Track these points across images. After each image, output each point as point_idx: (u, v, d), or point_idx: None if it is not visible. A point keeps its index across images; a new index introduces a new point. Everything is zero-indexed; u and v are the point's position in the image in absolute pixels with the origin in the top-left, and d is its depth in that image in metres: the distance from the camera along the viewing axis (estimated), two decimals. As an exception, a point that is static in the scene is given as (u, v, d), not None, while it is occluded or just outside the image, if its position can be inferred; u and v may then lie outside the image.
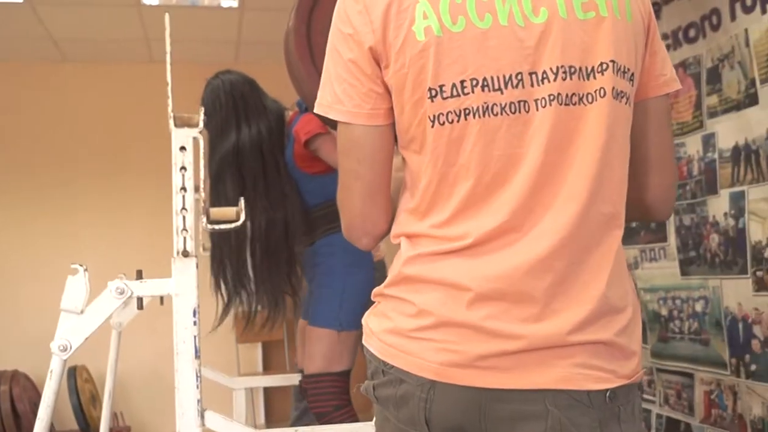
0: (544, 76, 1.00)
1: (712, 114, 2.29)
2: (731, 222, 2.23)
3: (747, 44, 2.12)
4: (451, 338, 1.00)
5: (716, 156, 2.28)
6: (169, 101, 1.56)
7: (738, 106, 2.18)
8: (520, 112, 1.00)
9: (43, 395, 1.48)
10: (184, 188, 1.54)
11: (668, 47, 2.47)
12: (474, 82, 1.00)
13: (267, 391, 5.09)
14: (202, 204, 1.61)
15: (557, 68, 1.00)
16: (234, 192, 2.23)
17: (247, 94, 2.34)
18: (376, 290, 1.13)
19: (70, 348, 1.48)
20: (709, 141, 2.32)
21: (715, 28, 2.26)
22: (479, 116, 1.00)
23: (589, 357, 0.99)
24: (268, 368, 5.07)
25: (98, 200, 5.13)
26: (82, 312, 1.49)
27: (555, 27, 1.01)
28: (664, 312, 2.62)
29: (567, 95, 1.00)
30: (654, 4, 2.52)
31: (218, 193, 2.26)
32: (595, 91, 1.01)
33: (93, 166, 5.13)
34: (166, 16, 1.60)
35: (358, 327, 2.26)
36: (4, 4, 4.14)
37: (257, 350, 5.17)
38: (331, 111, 1.08)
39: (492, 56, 1.00)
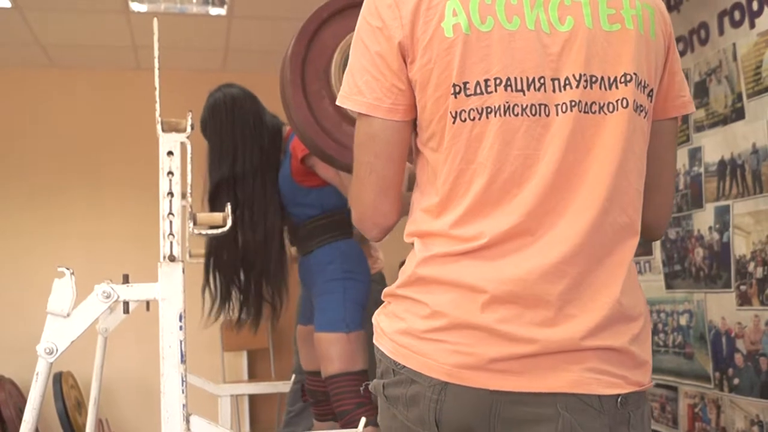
0: (567, 82, 1.02)
1: (699, 128, 2.32)
2: (716, 236, 2.25)
3: (734, 58, 2.15)
4: (465, 340, 1.01)
5: (702, 170, 2.30)
6: (157, 106, 1.57)
7: (725, 121, 2.20)
8: (540, 114, 1.02)
9: (29, 398, 1.47)
10: (171, 193, 1.54)
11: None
12: (498, 81, 1.01)
13: (252, 399, 5.08)
14: (189, 209, 1.61)
15: (579, 76, 1.02)
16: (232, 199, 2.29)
17: (248, 111, 2.39)
18: (387, 290, 1.13)
19: (57, 351, 1.48)
20: (695, 155, 2.34)
21: (703, 42, 2.29)
22: (500, 115, 1.01)
23: (601, 362, 1.00)
24: (253, 376, 5.06)
25: (84, 206, 5.11)
26: (68, 315, 1.49)
27: (580, 36, 1.02)
28: (649, 325, 2.64)
29: (587, 103, 1.02)
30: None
31: (213, 210, 2.32)
32: (617, 101, 1.03)
33: (79, 171, 5.12)
34: (155, 21, 1.61)
35: (362, 328, 2.28)
36: (-9, 9, 4.14)
37: (243, 358, 5.16)
38: (350, 101, 1.09)
39: (517, 58, 1.02)
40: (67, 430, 4.30)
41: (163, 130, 1.56)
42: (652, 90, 1.08)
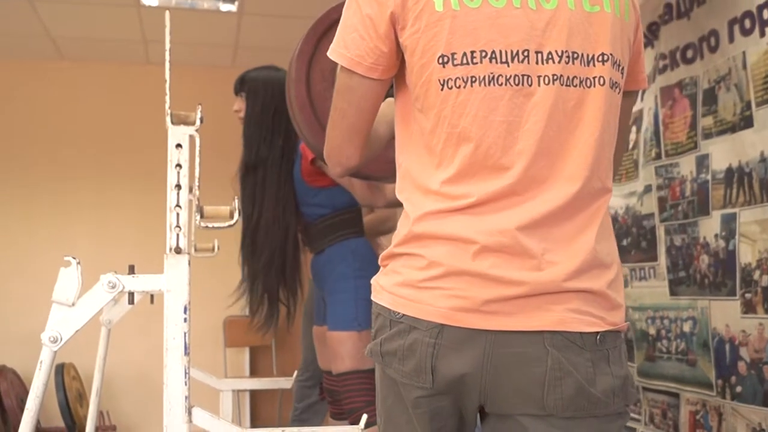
0: (549, 56, 1.11)
1: (707, 135, 2.31)
2: (722, 243, 2.25)
3: (744, 66, 2.14)
4: (459, 285, 1.10)
5: (709, 177, 2.30)
6: (167, 98, 1.57)
7: (733, 128, 2.20)
8: (523, 84, 1.11)
9: (32, 385, 1.48)
10: (178, 185, 1.55)
11: (665, 67, 2.49)
12: (483, 54, 1.10)
13: (253, 394, 5.09)
14: (197, 202, 1.62)
15: (561, 52, 1.11)
16: (249, 195, 2.34)
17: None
18: (384, 253, 1.22)
19: (61, 340, 1.48)
20: (702, 162, 2.33)
21: (713, 49, 2.28)
22: (484, 84, 1.10)
23: (582, 304, 1.10)
24: (255, 373, 5.07)
25: (90, 198, 5.13)
26: (73, 304, 1.49)
27: (563, 15, 1.12)
28: (652, 331, 2.63)
29: (569, 77, 1.12)
30: (652, 24, 2.56)
31: (244, 186, 2.35)
32: (594, 78, 1.13)
33: (86, 163, 5.14)
34: (167, 13, 1.61)
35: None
36: (2, 1, 4.15)
37: (245, 355, 5.17)
38: (335, 54, 1.19)
39: (503, 33, 1.10)
40: (68, 422, 4.31)
41: (173, 123, 1.57)
42: (623, 68, 1.18)
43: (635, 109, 2.67)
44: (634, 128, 2.68)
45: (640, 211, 2.64)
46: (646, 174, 2.60)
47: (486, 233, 1.09)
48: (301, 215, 2.42)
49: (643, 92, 2.63)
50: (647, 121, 2.60)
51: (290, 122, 2.24)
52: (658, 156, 2.54)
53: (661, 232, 2.53)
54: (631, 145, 2.70)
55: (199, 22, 4.53)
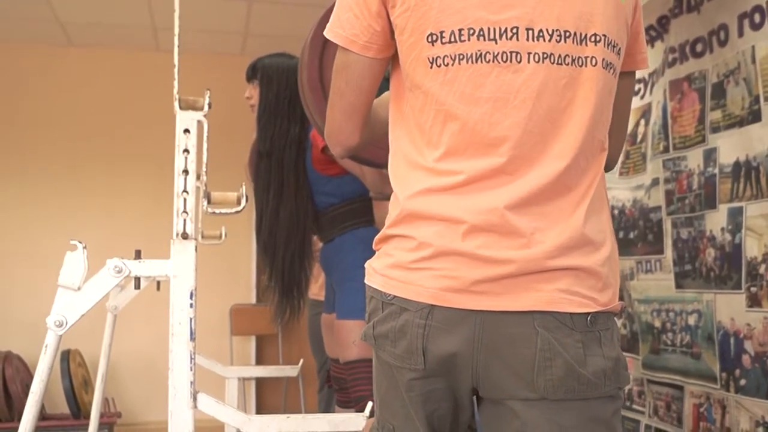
0: (540, 34, 1.10)
1: (715, 129, 2.30)
2: (728, 237, 2.24)
3: (753, 61, 2.13)
4: (449, 266, 1.10)
5: (717, 171, 2.29)
6: (175, 83, 1.57)
7: (741, 122, 2.19)
8: (511, 61, 1.10)
9: (37, 369, 1.48)
10: (186, 171, 1.55)
11: (675, 61, 2.48)
12: (471, 31, 1.10)
13: (259, 383, 5.11)
14: (204, 188, 1.62)
15: (553, 31, 1.10)
16: (264, 183, 2.33)
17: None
18: (377, 237, 1.23)
19: (66, 324, 1.49)
20: (710, 156, 2.32)
21: (723, 43, 2.27)
22: (472, 62, 1.10)
23: (572, 283, 1.10)
24: (261, 361, 5.09)
25: (99, 184, 5.15)
26: (79, 288, 1.50)
27: None
28: (657, 324, 2.63)
29: (560, 55, 1.11)
30: (662, 17, 2.54)
31: (258, 173, 2.35)
32: (586, 58, 1.12)
33: (94, 149, 5.15)
34: (176, -1, 1.61)
35: None
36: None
37: (251, 343, 5.19)
38: (333, 34, 1.21)
39: (492, 11, 1.09)
40: (73, 408, 4.33)
41: (181, 108, 1.57)
42: (620, 48, 1.17)
43: (644, 102, 2.66)
44: (642, 121, 2.68)
45: (648, 204, 2.63)
46: (654, 167, 2.59)
47: (474, 212, 1.09)
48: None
49: (652, 86, 2.62)
50: (655, 115, 2.59)
51: (304, 111, 2.25)
52: (666, 149, 2.53)
53: (667, 225, 2.52)
54: (639, 138, 2.70)
55: (209, 9, 4.53)
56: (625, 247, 2.72)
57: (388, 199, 2.36)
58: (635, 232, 2.70)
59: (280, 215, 2.32)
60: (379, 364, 1.22)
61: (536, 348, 1.08)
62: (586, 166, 1.14)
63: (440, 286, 1.10)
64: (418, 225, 1.13)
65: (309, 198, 2.37)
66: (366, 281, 1.23)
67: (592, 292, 1.11)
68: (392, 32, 1.18)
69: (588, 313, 1.10)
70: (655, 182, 2.58)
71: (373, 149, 1.85)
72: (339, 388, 2.56)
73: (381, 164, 1.96)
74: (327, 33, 1.22)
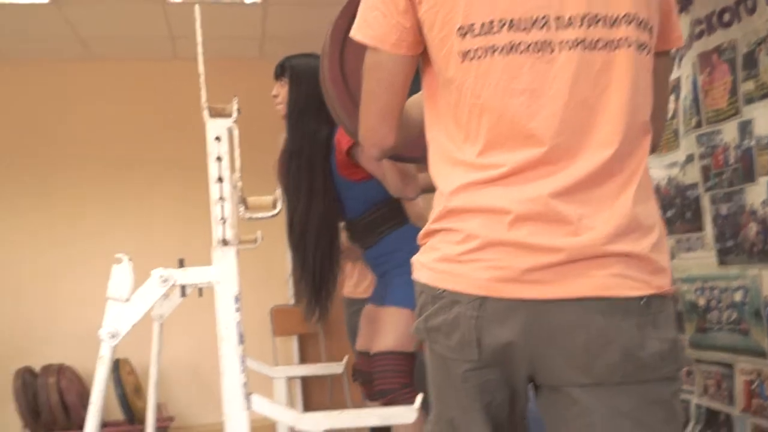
0: (570, 21, 1.09)
1: (749, 100, 2.26)
2: (769, 210, 2.21)
3: (784, 28, 2.09)
4: (498, 256, 1.09)
5: (753, 143, 2.25)
6: (203, 92, 1.59)
7: (776, 92, 2.15)
8: (544, 51, 1.09)
9: (95, 381, 1.52)
10: (220, 178, 1.57)
11: (702, 33, 2.44)
12: (501, 23, 1.09)
13: (304, 382, 5.16)
14: (240, 194, 1.64)
15: (582, 15, 1.09)
16: (295, 184, 2.33)
17: None
18: (422, 232, 1.22)
19: (119, 335, 1.53)
20: (745, 128, 2.29)
21: (751, 11, 2.23)
22: (505, 53, 1.09)
23: (624, 268, 1.08)
24: (304, 360, 5.13)
25: (132, 195, 5.24)
26: (127, 300, 1.53)
27: None
28: (701, 302, 2.60)
29: (592, 41, 1.09)
30: (687, -10, 2.50)
31: (289, 173, 2.36)
32: (619, 40, 1.10)
33: (123, 161, 5.24)
34: (196, 7, 1.63)
35: None
36: (30, 5, 4.25)
37: (293, 343, 5.24)
38: (359, 34, 1.20)
39: (519, 0, 1.08)
40: (128, 414, 4.42)
41: (210, 116, 1.59)
42: (652, 27, 1.15)
43: (672, 77, 2.63)
44: (672, 97, 2.64)
45: (683, 182, 2.60)
46: (688, 143, 2.56)
47: (519, 202, 1.08)
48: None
49: (680, 59, 2.59)
50: (686, 89, 2.56)
51: None
52: (699, 124, 2.49)
53: (705, 202, 2.49)
54: (670, 115, 2.66)
55: (225, 15, 4.57)
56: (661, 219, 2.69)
57: (410, 199, 2.36)
58: (672, 210, 2.67)
59: (311, 216, 2.34)
60: (433, 357, 1.22)
61: (591, 334, 1.07)
62: (631, 149, 1.12)
63: (490, 277, 1.09)
64: (464, 218, 1.13)
65: (336, 200, 2.39)
66: (413, 276, 1.23)
67: (644, 274, 1.10)
68: (420, 29, 1.17)
69: (642, 296, 1.09)
70: (690, 158, 2.55)
71: (409, 146, 1.85)
72: (362, 381, 2.57)
73: (405, 158, 1.96)
74: (354, 35, 1.21)
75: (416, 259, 1.23)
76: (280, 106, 2.45)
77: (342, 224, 2.52)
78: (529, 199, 1.08)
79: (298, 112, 2.36)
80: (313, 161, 2.34)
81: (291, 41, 5.01)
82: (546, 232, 1.07)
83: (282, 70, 2.44)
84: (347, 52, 1.80)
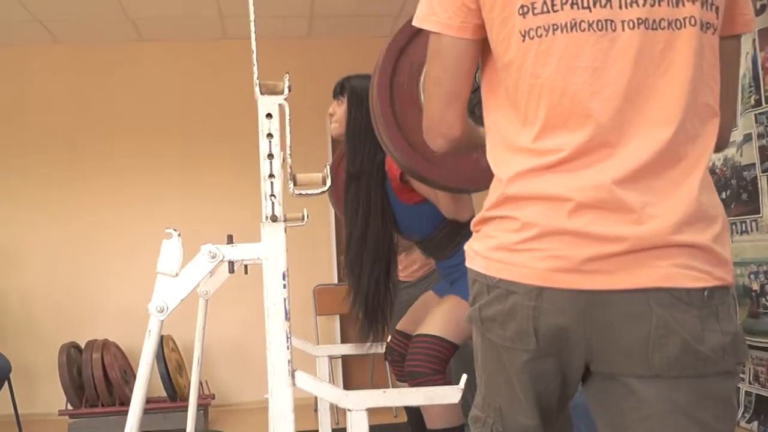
0: (633, 0, 1.06)
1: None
2: (831, 191, 2.13)
3: None
4: (556, 245, 1.07)
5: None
6: (255, 69, 1.58)
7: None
8: (606, 29, 1.07)
9: (142, 354, 1.54)
10: (271, 155, 1.56)
11: (763, 8, 2.36)
12: (563, 1, 1.07)
13: (345, 361, 5.18)
14: (289, 170, 1.63)
15: None
16: (353, 206, 2.35)
17: None
18: (476, 218, 1.21)
19: (167, 309, 1.53)
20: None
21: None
22: (567, 31, 1.07)
23: (688, 259, 1.05)
24: (345, 340, 5.15)
25: (175, 173, 5.30)
26: (176, 275, 1.54)
27: None
28: (755, 287, 2.53)
29: (655, 20, 1.07)
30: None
31: (347, 196, 2.37)
32: (684, 19, 1.07)
33: (170, 141, 5.29)
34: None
35: None
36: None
37: (335, 322, 5.26)
38: (426, 22, 1.19)
39: None
40: (170, 390, 4.49)
41: (262, 93, 1.58)
42: (718, 8, 1.11)
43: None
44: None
45: (740, 162, 2.53)
46: (746, 122, 2.48)
47: (581, 189, 1.06)
48: (399, 230, 2.43)
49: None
50: (745, 67, 2.48)
51: None
52: (758, 103, 2.42)
53: (763, 183, 2.42)
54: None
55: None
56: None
57: (463, 222, 2.33)
58: (728, 192, 2.60)
59: (368, 239, 2.35)
60: (485, 345, 1.20)
61: (651, 326, 1.05)
62: (695, 132, 1.09)
63: (548, 267, 1.07)
64: (521, 205, 1.11)
65: (393, 224, 2.39)
66: (467, 264, 1.21)
67: (707, 266, 1.07)
68: (481, 11, 1.15)
69: (705, 288, 1.06)
70: (748, 138, 2.48)
71: (448, 172, 1.84)
72: (392, 360, 2.56)
73: (454, 187, 1.94)
74: (418, 22, 1.20)
75: (470, 247, 1.21)
76: (335, 125, 2.45)
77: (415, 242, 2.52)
78: (593, 186, 1.05)
79: (357, 134, 2.33)
80: (370, 185, 2.34)
81: (339, 20, 5.00)
82: (608, 220, 1.05)
83: (341, 90, 2.43)
84: (401, 66, 1.81)
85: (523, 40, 1.09)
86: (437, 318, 2.28)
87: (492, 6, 1.12)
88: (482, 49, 1.21)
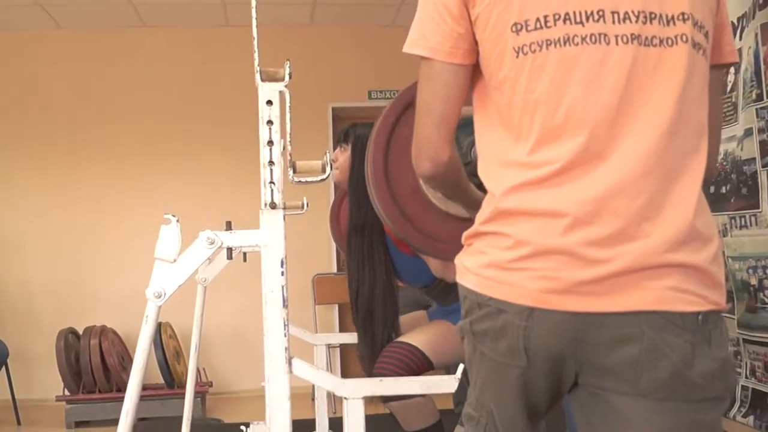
0: (626, 16, 1.07)
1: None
2: (831, 187, 2.13)
3: None
4: (549, 265, 1.06)
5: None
6: (256, 56, 1.57)
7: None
8: (600, 42, 1.07)
9: (139, 339, 1.53)
10: (270, 141, 1.56)
11: (766, 2, 2.35)
12: (556, 17, 1.08)
13: (343, 350, 5.19)
14: (289, 157, 1.63)
15: (638, 12, 1.07)
16: (358, 258, 2.36)
17: None
18: (468, 231, 1.19)
19: (164, 295, 1.53)
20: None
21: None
22: (560, 45, 1.08)
23: (681, 281, 1.04)
24: (344, 329, 5.16)
25: (176, 160, 5.30)
26: (174, 261, 1.53)
27: None
28: (753, 281, 2.53)
29: (647, 37, 1.07)
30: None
31: (350, 247, 2.38)
32: (676, 36, 1.08)
33: (171, 127, 5.30)
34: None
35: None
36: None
37: (334, 312, 5.27)
38: (416, 47, 1.19)
39: None
40: (167, 377, 4.50)
41: (262, 80, 1.57)
42: (707, 32, 1.12)
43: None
44: (732, 69, 2.55)
45: (740, 156, 2.52)
46: (747, 117, 2.48)
47: (576, 203, 1.05)
48: (401, 278, 2.44)
49: (742, 30, 2.50)
50: (746, 61, 2.47)
51: None
52: (760, 97, 2.41)
53: (763, 178, 2.42)
54: (729, 87, 2.58)
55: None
56: (717, 202, 2.62)
57: (450, 281, 2.34)
58: (728, 186, 2.60)
59: (376, 293, 2.34)
60: (477, 354, 1.19)
61: (641, 348, 1.04)
62: (689, 148, 1.08)
63: (541, 288, 1.06)
64: (514, 221, 1.10)
65: (395, 273, 2.39)
66: (458, 279, 1.20)
67: (701, 289, 1.06)
68: (474, 36, 1.16)
69: (699, 312, 1.05)
70: (748, 132, 2.47)
71: (431, 240, 1.89)
72: (362, 356, 2.53)
73: (437, 255, 1.94)
74: (408, 48, 1.20)
75: (460, 262, 1.20)
76: (337, 171, 2.43)
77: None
78: (587, 199, 1.05)
79: (362, 186, 2.28)
80: (373, 236, 2.34)
81: (342, 7, 4.98)
82: (601, 237, 1.04)
83: (346, 137, 2.42)
84: (403, 119, 1.82)
85: (517, 57, 1.10)
86: (423, 333, 2.28)
87: (485, 23, 1.12)
88: (473, 72, 1.21)
